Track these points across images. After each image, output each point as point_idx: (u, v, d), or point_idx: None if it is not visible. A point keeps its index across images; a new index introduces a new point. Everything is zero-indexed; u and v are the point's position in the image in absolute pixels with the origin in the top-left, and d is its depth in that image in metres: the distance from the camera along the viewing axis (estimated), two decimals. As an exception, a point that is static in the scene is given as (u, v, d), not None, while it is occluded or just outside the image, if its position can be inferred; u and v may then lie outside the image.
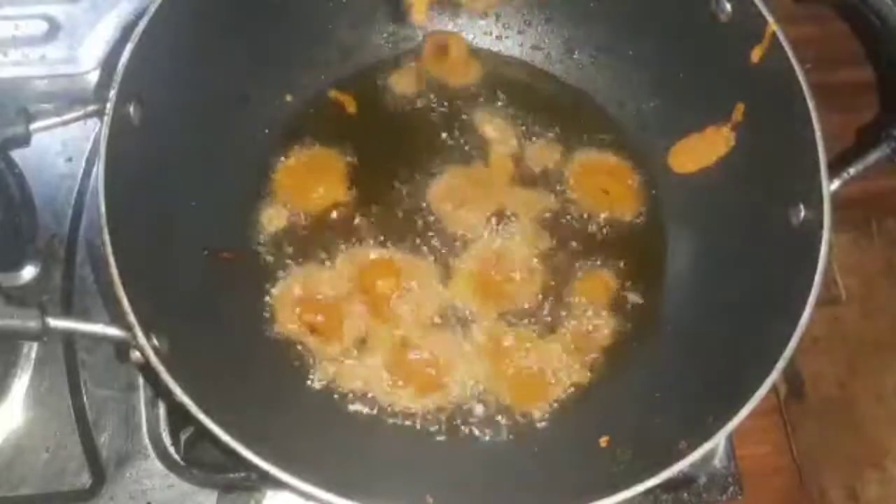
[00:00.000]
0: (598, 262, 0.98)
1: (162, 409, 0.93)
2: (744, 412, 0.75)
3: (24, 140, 0.85)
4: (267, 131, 1.00)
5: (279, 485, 0.73)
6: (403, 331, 0.94)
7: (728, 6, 0.90)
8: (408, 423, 0.91)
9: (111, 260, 0.75)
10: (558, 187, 1.01)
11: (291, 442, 0.78)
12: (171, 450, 0.91)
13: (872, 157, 0.85)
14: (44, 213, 0.98)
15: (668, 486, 0.89)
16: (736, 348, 0.85)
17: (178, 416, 0.91)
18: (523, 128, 1.04)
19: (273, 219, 0.98)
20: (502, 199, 1.00)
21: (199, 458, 0.91)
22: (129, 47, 0.82)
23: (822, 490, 1.01)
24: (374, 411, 0.91)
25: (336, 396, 0.92)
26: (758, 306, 0.86)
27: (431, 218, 0.99)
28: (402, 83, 1.05)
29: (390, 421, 0.91)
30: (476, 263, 0.97)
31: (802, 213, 0.84)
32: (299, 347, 0.93)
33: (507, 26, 1.07)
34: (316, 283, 0.95)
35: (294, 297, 0.94)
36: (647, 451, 0.81)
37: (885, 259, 1.09)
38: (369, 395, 0.92)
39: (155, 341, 0.75)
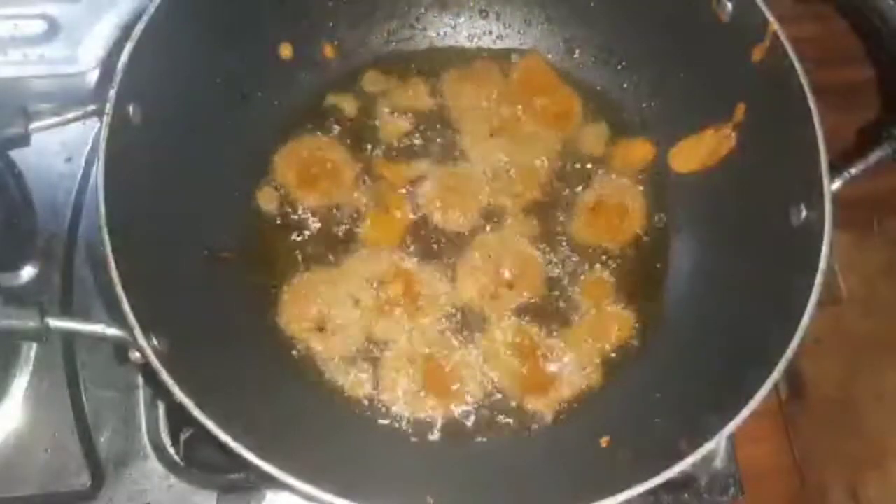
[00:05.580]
0: (599, 263, 0.98)
1: (162, 410, 0.93)
2: (745, 413, 0.75)
3: (23, 140, 0.85)
4: (267, 131, 1.00)
5: (279, 485, 0.73)
6: (407, 332, 0.94)
7: (729, 6, 0.89)
8: (410, 423, 0.91)
9: (111, 260, 0.75)
10: (560, 189, 1.01)
11: (291, 442, 0.78)
12: (171, 450, 0.92)
13: (874, 156, 0.85)
14: (43, 214, 0.98)
15: (669, 486, 0.89)
16: (737, 348, 0.85)
17: (178, 417, 0.91)
18: (524, 128, 1.04)
19: (274, 219, 0.98)
20: (500, 198, 1.00)
21: (198, 458, 0.91)
22: (128, 47, 0.82)
23: (823, 490, 1.01)
24: (376, 412, 0.91)
25: (337, 397, 0.92)
26: (759, 307, 0.86)
27: (431, 219, 0.99)
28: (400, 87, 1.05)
29: (392, 422, 0.91)
30: (478, 263, 0.97)
31: (803, 213, 0.83)
32: (301, 348, 0.93)
33: (508, 26, 1.07)
34: (319, 284, 0.95)
35: (295, 298, 0.94)
36: (647, 452, 0.81)
37: (887, 259, 1.09)
38: (371, 396, 0.92)
39: (155, 341, 0.75)
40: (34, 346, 0.93)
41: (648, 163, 1.02)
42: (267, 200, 0.98)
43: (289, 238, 0.98)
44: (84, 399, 0.92)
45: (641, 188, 1.01)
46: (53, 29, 1.05)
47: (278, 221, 0.98)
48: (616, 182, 1.01)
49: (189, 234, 0.90)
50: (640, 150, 1.02)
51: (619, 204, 1.00)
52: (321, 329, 0.94)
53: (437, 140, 1.03)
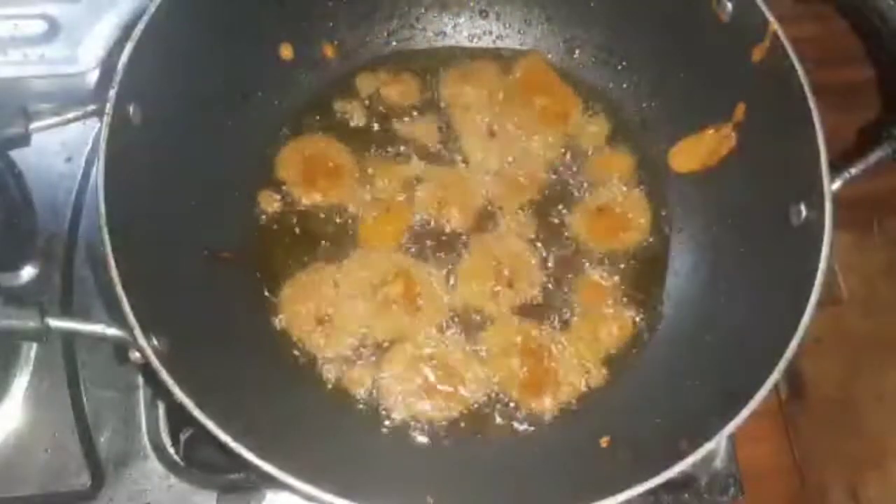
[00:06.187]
0: (600, 263, 0.98)
1: (162, 410, 0.93)
2: (745, 413, 0.75)
3: (23, 140, 0.85)
4: (267, 131, 1.00)
5: (279, 485, 0.73)
6: (407, 332, 0.94)
7: (729, 6, 0.89)
8: (410, 423, 0.91)
9: (111, 260, 0.75)
10: (560, 190, 1.01)
11: (292, 442, 0.78)
12: (171, 450, 0.92)
13: (874, 156, 0.85)
14: (43, 214, 0.98)
15: (669, 486, 0.89)
16: (737, 348, 0.85)
17: (178, 417, 0.91)
18: (523, 128, 1.04)
19: (274, 219, 0.98)
20: (499, 198, 1.00)
21: (198, 458, 0.91)
22: (128, 47, 0.82)
23: (823, 490, 1.01)
24: (376, 412, 0.91)
25: (337, 397, 0.92)
26: (759, 306, 0.86)
27: (431, 219, 0.99)
28: (400, 86, 1.05)
29: (392, 421, 0.91)
30: (478, 262, 0.97)
31: (804, 213, 0.83)
32: (301, 348, 0.93)
33: (508, 26, 1.07)
34: (319, 284, 0.95)
35: (295, 298, 0.94)
36: (647, 452, 0.81)
37: (887, 259, 1.09)
38: (371, 396, 0.92)
39: (155, 341, 0.75)
40: (34, 346, 0.93)
41: (631, 172, 1.02)
42: (267, 200, 0.98)
43: (288, 238, 0.98)
44: (84, 399, 0.92)
45: (642, 189, 1.01)
46: (53, 29, 1.05)
47: (278, 221, 0.98)
48: (616, 183, 1.01)
49: (189, 234, 0.90)
50: (620, 162, 1.02)
51: (620, 205, 1.00)
52: (321, 329, 0.93)
53: (437, 140, 1.03)
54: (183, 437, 0.92)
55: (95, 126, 0.93)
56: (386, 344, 0.94)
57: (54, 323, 0.74)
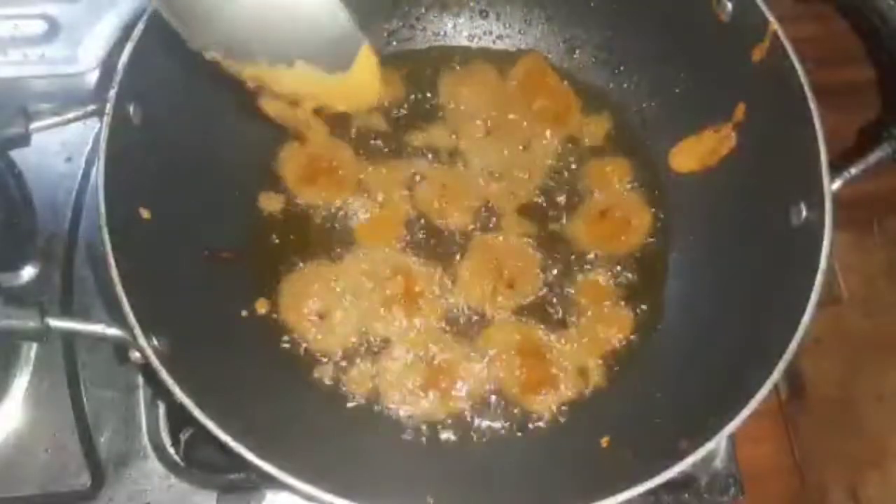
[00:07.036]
0: (599, 263, 0.98)
1: (162, 410, 0.93)
2: (745, 413, 0.75)
3: (23, 140, 0.85)
4: (267, 131, 1.00)
5: (279, 485, 0.73)
6: (407, 332, 0.94)
7: (729, 6, 0.89)
8: (410, 423, 0.91)
9: (111, 260, 0.75)
10: (561, 190, 1.01)
11: (292, 442, 0.78)
12: (171, 450, 0.92)
13: (874, 156, 0.85)
14: (43, 214, 0.98)
15: (669, 486, 0.89)
16: (737, 348, 0.85)
17: (178, 417, 0.91)
18: (523, 128, 1.04)
19: (273, 218, 0.98)
20: (499, 198, 1.00)
21: (198, 458, 0.91)
22: (128, 47, 0.82)
23: (823, 490, 1.01)
24: (376, 412, 0.91)
25: (337, 397, 0.92)
26: (759, 306, 0.86)
27: (430, 218, 0.99)
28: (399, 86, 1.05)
29: (391, 421, 0.91)
30: (477, 262, 0.97)
31: (804, 213, 0.84)
32: (301, 348, 0.93)
33: (508, 26, 1.07)
34: (319, 284, 0.95)
35: (295, 298, 0.94)
36: (647, 452, 0.81)
37: (887, 259, 1.09)
38: (371, 395, 0.92)
39: (155, 341, 0.75)
40: (34, 346, 0.93)
41: (631, 173, 1.02)
42: (267, 200, 0.98)
43: (288, 237, 0.97)
44: (84, 399, 0.92)
45: (642, 189, 1.01)
46: (53, 29, 1.05)
47: (278, 220, 0.98)
48: (616, 183, 1.01)
49: (189, 234, 0.90)
50: (620, 163, 1.02)
51: (620, 206, 1.00)
52: (321, 329, 0.93)
53: (437, 139, 1.02)
54: (183, 437, 0.92)
55: (95, 126, 0.93)
56: (385, 343, 0.94)
57: (54, 323, 0.74)
